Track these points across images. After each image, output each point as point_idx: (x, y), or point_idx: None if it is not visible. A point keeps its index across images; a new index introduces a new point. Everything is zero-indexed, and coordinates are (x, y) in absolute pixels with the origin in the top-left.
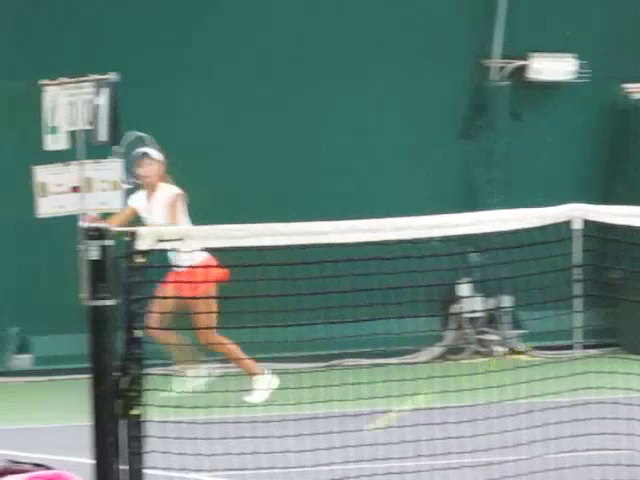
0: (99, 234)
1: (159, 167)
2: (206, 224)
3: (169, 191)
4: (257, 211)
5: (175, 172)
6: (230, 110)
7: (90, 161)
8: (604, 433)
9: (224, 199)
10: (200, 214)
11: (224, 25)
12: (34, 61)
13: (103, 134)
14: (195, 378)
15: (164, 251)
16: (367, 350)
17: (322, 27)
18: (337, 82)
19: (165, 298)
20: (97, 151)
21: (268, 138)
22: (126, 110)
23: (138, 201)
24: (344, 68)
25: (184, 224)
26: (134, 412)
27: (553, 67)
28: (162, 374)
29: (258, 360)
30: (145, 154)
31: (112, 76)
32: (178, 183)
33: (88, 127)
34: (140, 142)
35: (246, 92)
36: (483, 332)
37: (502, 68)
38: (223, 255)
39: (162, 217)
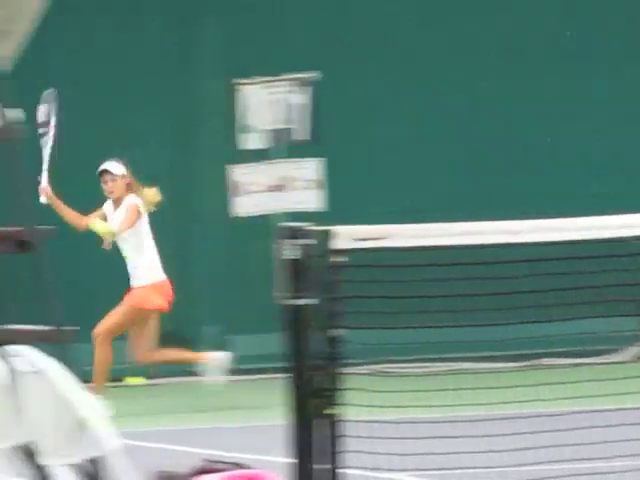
0: (297, 233)
1: (122, 181)
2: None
3: (130, 201)
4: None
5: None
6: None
7: (290, 160)
8: None
9: (411, 196)
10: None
11: (422, 17)
12: (237, 60)
13: (305, 133)
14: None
15: (362, 250)
16: (563, 350)
17: (560, 25)
18: (566, 82)
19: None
20: (293, 150)
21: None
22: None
23: (107, 208)
24: (575, 68)
25: (141, 237)
26: (331, 411)
27: None
28: (360, 373)
29: (448, 360)
30: (105, 171)
31: (314, 75)
32: (366, 179)
33: (286, 126)
34: (51, 96)
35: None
36: None
37: None
38: (416, 254)
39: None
